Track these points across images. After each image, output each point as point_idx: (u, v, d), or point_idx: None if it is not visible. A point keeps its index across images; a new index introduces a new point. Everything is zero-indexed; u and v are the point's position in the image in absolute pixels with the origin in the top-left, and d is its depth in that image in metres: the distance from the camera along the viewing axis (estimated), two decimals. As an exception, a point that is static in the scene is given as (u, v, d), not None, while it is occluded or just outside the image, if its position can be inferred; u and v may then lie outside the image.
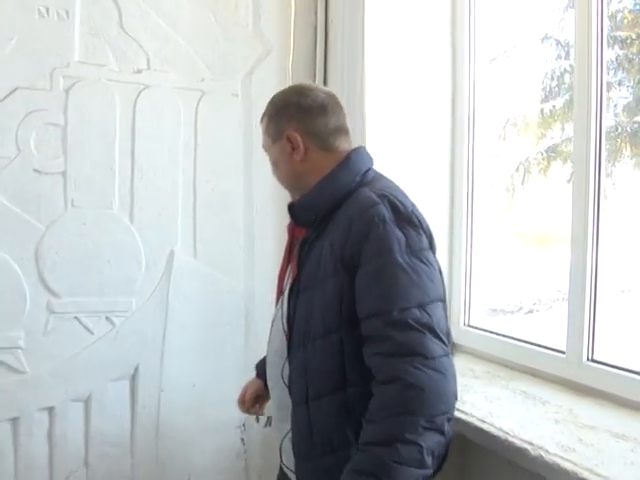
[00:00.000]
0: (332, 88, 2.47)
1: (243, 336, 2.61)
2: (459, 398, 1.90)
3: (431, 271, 1.44)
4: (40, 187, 2.40)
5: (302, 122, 1.60)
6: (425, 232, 1.49)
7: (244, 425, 2.64)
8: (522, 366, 2.26)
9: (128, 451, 2.56)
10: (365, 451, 1.34)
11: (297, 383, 1.54)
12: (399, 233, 1.41)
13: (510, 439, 1.71)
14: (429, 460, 1.33)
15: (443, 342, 1.39)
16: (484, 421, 1.84)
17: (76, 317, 2.46)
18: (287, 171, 1.65)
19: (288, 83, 2.63)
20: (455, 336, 2.46)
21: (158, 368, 2.57)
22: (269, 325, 1.74)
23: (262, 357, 1.91)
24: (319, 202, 1.55)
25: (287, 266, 1.68)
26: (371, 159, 1.68)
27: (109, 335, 2.50)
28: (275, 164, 1.67)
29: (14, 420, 2.41)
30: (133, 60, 2.50)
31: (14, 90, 2.34)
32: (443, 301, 1.48)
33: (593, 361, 2.00)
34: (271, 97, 1.71)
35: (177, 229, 2.55)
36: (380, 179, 1.62)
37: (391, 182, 1.62)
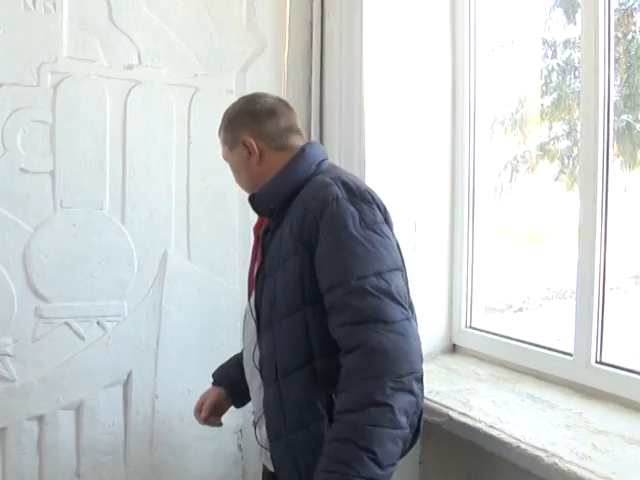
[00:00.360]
0: (329, 84, 2.51)
1: (240, 340, 2.51)
2: (466, 401, 1.92)
3: (387, 242, 1.50)
4: (28, 187, 2.31)
5: (254, 127, 1.68)
6: (379, 208, 1.55)
7: (241, 431, 2.57)
8: (527, 368, 2.22)
9: (122, 460, 2.48)
10: (339, 420, 1.39)
11: (267, 364, 1.60)
12: (352, 209, 1.48)
13: (522, 446, 1.68)
14: (403, 420, 1.38)
15: (403, 307, 1.45)
16: (494, 427, 1.81)
17: (66, 322, 2.37)
18: (247, 175, 1.73)
19: (284, 79, 2.60)
20: (456, 338, 2.44)
21: (152, 374, 2.49)
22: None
23: (219, 365, 2.03)
24: (277, 191, 1.62)
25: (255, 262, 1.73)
26: (325, 152, 1.76)
27: (101, 341, 2.42)
28: (236, 171, 1.76)
29: (2, 430, 2.32)
30: (124, 55, 2.41)
31: (0, 86, 2.25)
32: (401, 270, 1.54)
33: (601, 363, 1.97)
34: (226, 110, 1.80)
35: (170, 230, 2.48)
36: (335, 168, 1.70)
37: (346, 171, 1.71)
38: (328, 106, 2.63)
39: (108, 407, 2.45)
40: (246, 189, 1.76)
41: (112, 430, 2.46)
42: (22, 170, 2.30)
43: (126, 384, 2.48)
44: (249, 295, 1.75)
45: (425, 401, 1.96)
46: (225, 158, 1.78)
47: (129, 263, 2.44)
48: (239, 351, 1.93)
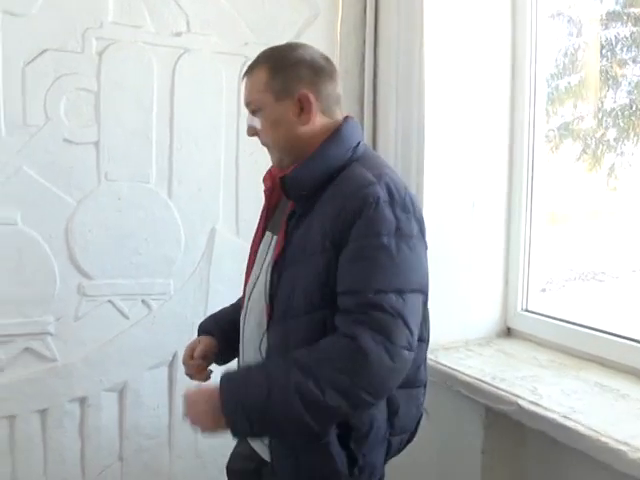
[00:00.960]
0: (384, 54, 2.41)
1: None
2: (533, 389, 1.87)
3: (417, 259, 1.42)
4: (71, 158, 2.20)
5: (315, 84, 1.51)
6: (417, 219, 1.45)
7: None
8: (589, 354, 2.14)
9: (166, 444, 2.41)
10: (286, 362, 1.35)
11: (275, 356, 1.48)
12: (391, 216, 1.38)
13: (603, 439, 1.59)
14: (319, 420, 1.34)
15: (411, 333, 1.36)
16: (568, 418, 1.72)
17: (110, 300, 2.29)
18: (287, 134, 1.52)
19: (336, 49, 2.48)
20: (511, 321, 2.34)
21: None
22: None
23: (208, 316, 1.88)
24: (310, 177, 1.47)
25: (262, 234, 1.64)
26: (361, 132, 1.61)
27: (146, 320, 2.33)
28: (274, 124, 1.52)
29: (43, 411, 2.24)
30: (171, 22, 2.29)
31: (43, 52, 2.13)
32: (424, 293, 1.46)
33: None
34: (270, 49, 1.60)
35: (218, 205, 2.39)
36: (372, 156, 1.57)
37: (383, 160, 1.60)
38: (382, 78, 2.51)
39: (152, 389, 2.38)
40: (276, 147, 1.56)
41: (156, 413, 2.39)
42: (65, 140, 2.19)
43: (171, 365, 2.39)
44: (249, 269, 1.67)
45: (491, 388, 1.89)
46: (255, 106, 1.54)
47: (176, 239, 2.34)
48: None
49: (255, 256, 1.64)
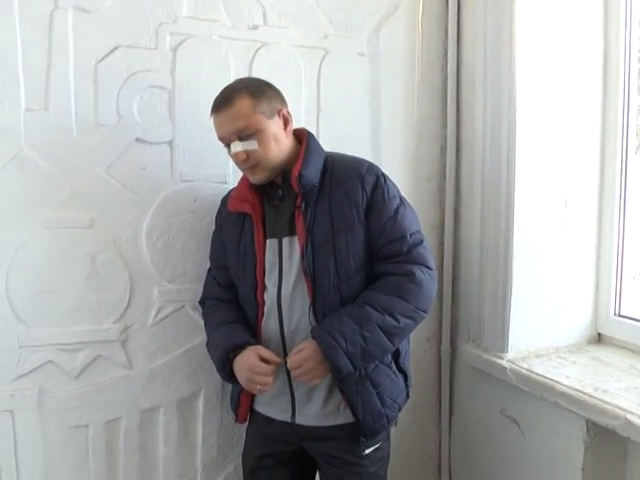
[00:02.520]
0: (466, 46, 2.33)
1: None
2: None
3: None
4: (144, 159, 2.12)
5: (284, 102, 1.85)
6: None
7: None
8: (693, 364, 1.98)
9: (243, 454, 2.27)
10: (362, 307, 1.71)
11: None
12: (390, 183, 1.83)
13: None
14: (397, 340, 1.76)
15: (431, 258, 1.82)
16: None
17: (186, 306, 2.21)
18: (282, 147, 1.80)
19: (418, 40, 2.39)
20: (603, 327, 2.24)
21: (280, 361, 2.28)
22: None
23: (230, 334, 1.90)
24: (316, 170, 1.79)
25: (264, 242, 1.84)
26: None
27: (223, 327, 2.18)
28: (275, 140, 1.77)
29: (117, 421, 2.19)
30: (248, 15, 2.19)
31: (115, 49, 2.05)
32: None
33: None
34: (234, 83, 1.85)
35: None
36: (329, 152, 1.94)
37: None
38: (467, 71, 2.39)
39: (229, 398, 2.22)
40: (270, 161, 1.79)
41: (233, 422, 2.24)
42: (138, 140, 2.10)
43: (249, 372, 2.27)
44: (259, 277, 1.86)
45: (593, 400, 1.80)
46: (255, 129, 1.75)
47: (253, 242, 2.21)
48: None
49: (264, 263, 1.84)
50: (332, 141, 2.21)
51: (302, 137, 1.85)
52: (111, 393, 2.15)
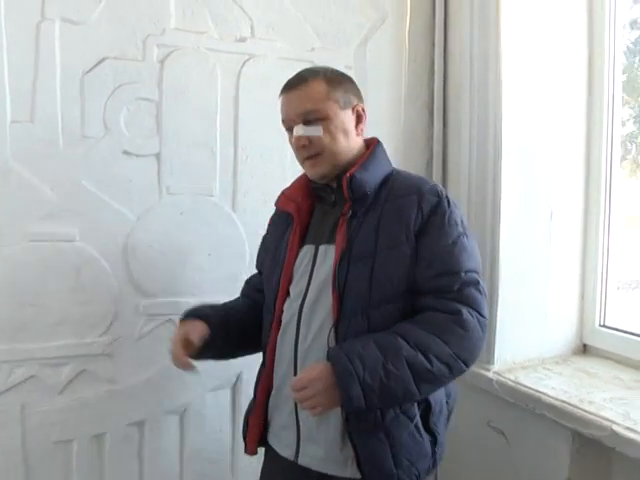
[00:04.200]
0: (453, 59, 2.34)
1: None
2: (625, 413, 1.80)
3: (475, 245, 1.62)
4: (131, 171, 2.10)
5: (361, 100, 1.70)
6: None
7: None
8: (678, 375, 1.99)
9: (229, 469, 2.30)
10: (393, 336, 1.46)
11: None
12: (456, 209, 1.59)
13: None
14: (424, 388, 1.47)
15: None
16: (672, 446, 1.58)
17: (171, 320, 2.16)
18: (349, 143, 1.65)
19: (405, 54, 2.40)
20: (588, 337, 2.26)
21: (263, 375, 2.26)
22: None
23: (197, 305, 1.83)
24: (374, 176, 1.61)
25: (298, 248, 1.68)
26: None
27: (209, 339, 2.17)
28: (343, 132, 1.63)
29: (101, 436, 2.15)
30: (235, 27, 2.19)
31: (102, 60, 2.04)
32: None
33: None
34: (313, 67, 1.74)
35: (285, 219, 2.23)
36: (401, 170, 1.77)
37: None
38: (453, 83, 2.41)
39: (215, 412, 2.27)
40: (333, 159, 1.63)
41: (219, 437, 2.28)
42: (125, 152, 2.09)
43: (235, 387, 2.29)
44: (283, 280, 1.68)
45: (580, 411, 1.81)
46: (324, 115, 1.60)
47: (240, 255, 2.24)
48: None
49: (292, 270, 1.67)
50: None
51: (371, 144, 1.70)
52: (96, 408, 2.12)
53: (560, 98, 2.27)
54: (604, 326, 2.34)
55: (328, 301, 1.56)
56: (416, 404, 1.57)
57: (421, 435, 1.58)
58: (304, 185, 1.73)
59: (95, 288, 2.09)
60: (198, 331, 1.68)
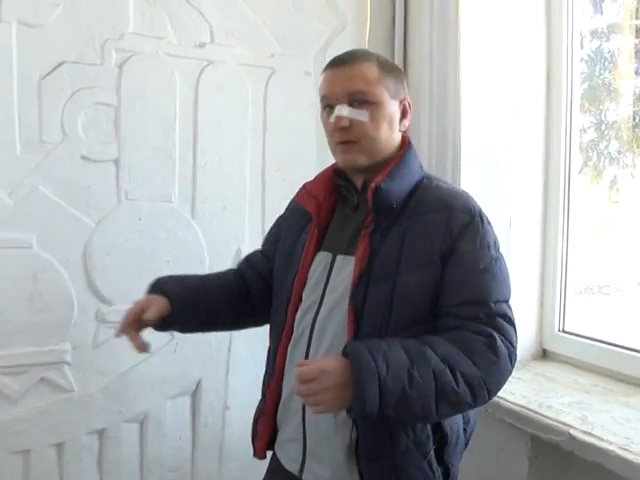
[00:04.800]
0: (412, 68, 2.34)
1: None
2: (583, 417, 1.81)
3: (507, 270, 1.47)
4: (89, 177, 2.08)
5: (408, 94, 1.56)
6: None
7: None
8: (634, 378, 2.06)
9: (189, 476, 2.28)
10: (422, 345, 1.32)
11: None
12: (490, 229, 1.45)
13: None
14: (443, 409, 1.31)
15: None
16: (627, 450, 1.63)
17: (131, 327, 2.12)
18: (391, 135, 1.50)
19: (364, 61, 2.34)
20: (547, 343, 2.28)
21: (223, 383, 2.29)
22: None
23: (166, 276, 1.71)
24: (401, 187, 1.45)
25: (314, 253, 1.54)
26: None
27: (168, 347, 2.21)
28: (389, 122, 1.48)
29: (60, 445, 2.11)
30: (195, 32, 2.18)
31: (60, 64, 2.02)
32: None
33: None
34: (364, 49, 1.65)
35: (244, 225, 2.27)
36: (433, 175, 1.62)
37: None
38: (412, 90, 2.38)
39: (175, 419, 2.25)
40: (370, 149, 1.48)
41: (179, 444, 2.26)
42: (83, 158, 2.07)
43: (194, 394, 2.28)
44: (295, 291, 1.55)
45: (538, 416, 1.82)
46: (375, 100, 1.46)
47: (200, 261, 2.22)
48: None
49: (306, 275, 1.53)
50: (278, 159, 2.22)
51: (403, 145, 1.54)
52: (54, 417, 2.09)
53: (519, 106, 2.29)
54: (563, 331, 2.36)
55: (342, 318, 1.43)
56: (431, 437, 1.44)
57: (433, 471, 1.44)
58: (328, 180, 1.57)
59: (53, 295, 2.06)
60: (156, 308, 1.54)
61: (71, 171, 2.06)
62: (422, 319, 1.40)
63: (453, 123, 2.20)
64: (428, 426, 1.44)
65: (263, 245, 1.81)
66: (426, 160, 2.30)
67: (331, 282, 1.49)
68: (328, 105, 1.49)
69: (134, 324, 1.54)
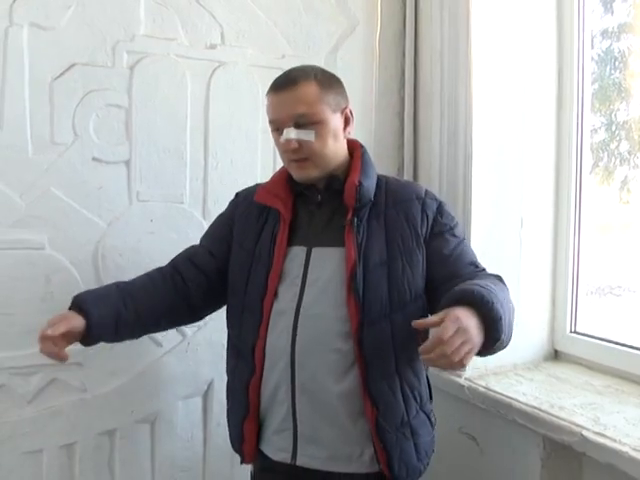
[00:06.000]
0: (423, 67, 2.35)
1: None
2: (595, 418, 1.83)
3: None
4: (101, 178, 2.09)
5: (349, 103, 1.69)
6: None
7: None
8: (645, 378, 2.00)
9: (200, 476, 2.28)
10: (478, 281, 1.51)
11: (379, 357, 1.58)
12: (449, 209, 1.72)
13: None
14: (508, 332, 1.49)
15: None
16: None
17: (143, 327, 2.12)
18: (338, 145, 1.65)
19: (375, 61, 2.40)
20: (559, 344, 2.27)
21: (235, 383, 2.25)
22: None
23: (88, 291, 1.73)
24: (373, 185, 1.64)
25: (285, 250, 1.63)
26: None
27: (179, 347, 2.22)
28: (334, 136, 1.62)
29: (71, 445, 2.12)
30: (206, 34, 2.19)
31: (71, 66, 2.02)
32: None
33: None
34: (302, 66, 1.67)
35: (255, 225, 2.22)
36: None
37: None
38: (424, 91, 2.42)
39: (186, 419, 2.25)
40: (323, 162, 1.62)
41: (190, 444, 2.26)
42: (95, 159, 2.08)
43: (206, 395, 2.28)
44: (273, 293, 1.63)
45: (550, 417, 1.82)
46: (317, 119, 1.58)
47: (211, 262, 2.20)
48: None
49: (280, 271, 1.62)
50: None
51: (354, 148, 1.70)
52: (66, 417, 2.10)
53: (530, 106, 2.29)
54: (575, 332, 2.36)
55: (332, 307, 1.57)
56: (429, 396, 1.74)
57: (432, 426, 1.73)
58: (285, 180, 1.69)
59: (65, 296, 2.02)
60: (65, 326, 1.56)
61: (83, 172, 2.07)
62: (419, 294, 1.62)
63: (464, 123, 2.19)
64: (427, 386, 1.74)
65: (206, 243, 1.85)
66: (437, 160, 2.30)
67: (310, 274, 1.60)
68: (276, 128, 1.61)
69: (47, 340, 1.55)
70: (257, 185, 1.80)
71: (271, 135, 1.68)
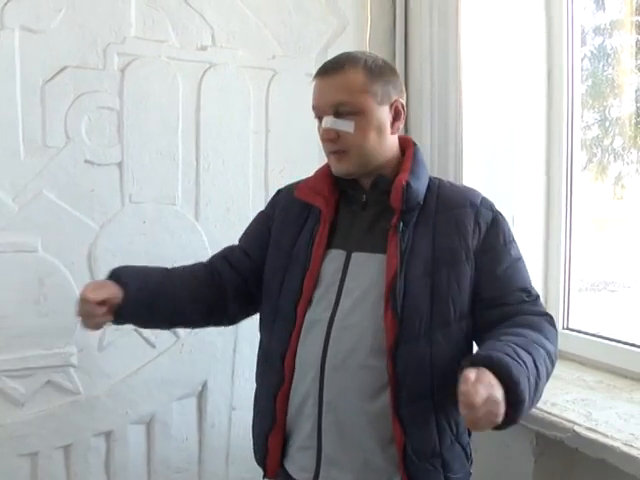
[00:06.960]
0: (413, 67, 2.34)
1: (322, 345, 2.33)
2: (587, 414, 1.82)
3: None
4: (93, 180, 2.09)
5: (403, 94, 1.54)
6: None
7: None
8: (638, 374, 2.06)
9: (195, 477, 2.29)
10: (515, 335, 1.36)
11: (414, 377, 1.43)
12: (507, 222, 1.56)
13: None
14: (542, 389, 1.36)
15: None
16: (631, 446, 1.62)
17: (136, 329, 2.15)
18: (382, 141, 1.49)
19: (365, 61, 2.35)
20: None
21: (229, 383, 2.30)
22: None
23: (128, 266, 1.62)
24: (423, 187, 1.49)
25: (323, 252, 1.50)
26: None
27: (173, 348, 2.22)
28: (377, 129, 1.46)
29: (67, 447, 2.12)
30: (196, 35, 2.19)
31: (62, 69, 2.03)
32: None
33: None
34: (354, 52, 1.53)
35: (248, 226, 2.23)
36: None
37: None
38: (414, 90, 2.42)
39: (181, 420, 2.26)
40: (362, 157, 1.47)
41: (185, 445, 2.27)
42: (87, 162, 2.08)
43: (201, 395, 2.29)
44: (307, 293, 1.51)
45: (542, 413, 1.82)
46: (359, 109, 1.44)
47: (203, 263, 2.21)
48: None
49: (317, 275, 1.49)
50: (281, 161, 2.23)
51: (407, 146, 1.55)
52: (61, 419, 2.10)
53: (520, 104, 2.30)
54: (568, 329, 2.35)
55: (368, 319, 1.43)
56: (466, 428, 1.54)
57: (466, 456, 1.56)
58: (328, 177, 1.54)
59: (58, 299, 2.07)
60: (106, 292, 1.46)
61: (75, 175, 2.07)
62: (463, 314, 1.46)
63: (455, 121, 2.20)
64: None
65: (243, 242, 1.74)
66: (428, 159, 2.30)
67: (348, 281, 1.47)
68: (318, 116, 1.49)
69: (87, 303, 1.44)
70: (299, 181, 1.64)
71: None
